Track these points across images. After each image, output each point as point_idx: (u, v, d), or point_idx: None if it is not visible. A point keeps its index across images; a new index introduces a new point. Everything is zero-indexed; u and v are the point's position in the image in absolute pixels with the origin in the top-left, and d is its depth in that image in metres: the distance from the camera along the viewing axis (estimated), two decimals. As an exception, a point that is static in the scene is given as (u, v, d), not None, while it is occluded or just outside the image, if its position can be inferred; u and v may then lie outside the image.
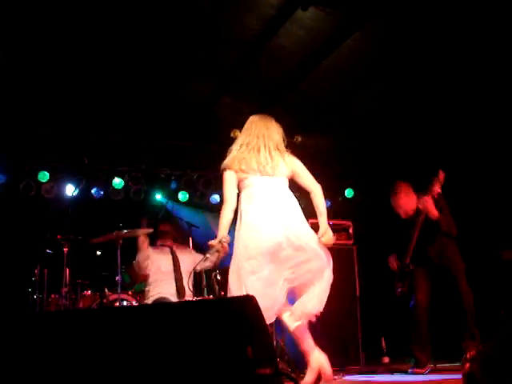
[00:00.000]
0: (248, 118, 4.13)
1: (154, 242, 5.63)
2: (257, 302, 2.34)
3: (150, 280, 5.37)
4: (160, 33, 5.26)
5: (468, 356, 2.91)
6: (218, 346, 2.23)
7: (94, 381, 2.06)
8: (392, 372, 4.90)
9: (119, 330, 2.15)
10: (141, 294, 5.64)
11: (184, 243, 5.78)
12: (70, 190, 6.51)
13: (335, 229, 5.48)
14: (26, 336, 2.08)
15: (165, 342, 2.17)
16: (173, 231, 5.75)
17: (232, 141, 7.45)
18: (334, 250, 5.23)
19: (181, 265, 5.42)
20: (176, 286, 5.30)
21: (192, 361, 2.17)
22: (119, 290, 5.10)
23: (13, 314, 2.38)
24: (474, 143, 6.22)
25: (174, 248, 5.59)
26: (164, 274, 5.36)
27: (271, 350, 2.30)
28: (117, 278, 5.05)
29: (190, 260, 5.39)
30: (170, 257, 5.48)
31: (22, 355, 2.05)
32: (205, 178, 7.21)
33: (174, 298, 5.17)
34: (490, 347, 2.91)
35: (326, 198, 6.81)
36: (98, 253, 5.96)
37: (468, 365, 2.95)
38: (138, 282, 5.82)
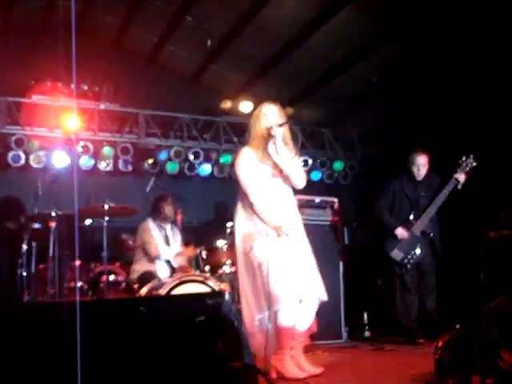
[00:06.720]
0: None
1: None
2: (228, 297, 2.40)
3: (139, 256, 5.36)
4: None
5: (440, 344, 2.99)
6: (191, 339, 2.29)
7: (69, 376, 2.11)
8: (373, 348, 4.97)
9: (92, 324, 2.19)
10: (128, 265, 5.58)
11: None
12: (60, 160, 6.42)
13: (320, 205, 5.53)
14: None
15: (136, 336, 2.23)
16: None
17: (222, 111, 7.42)
18: (318, 227, 5.34)
19: (171, 244, 5.43)
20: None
21: (164, 354, 2.23)
22: (105, 261, 5.04)
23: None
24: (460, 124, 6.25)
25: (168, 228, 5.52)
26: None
27: (242, 343, 2.36)
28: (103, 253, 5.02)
29: (178, 240, 5.47)
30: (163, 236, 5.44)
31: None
32: (194, 148, 7.08)
33: (161, 274, 5.19)
34: (459, 335, 3.00)
35: (316, 169, 6.81)
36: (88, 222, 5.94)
37: (439, 352, 3.04)
38: (125, 254, 5.80)
